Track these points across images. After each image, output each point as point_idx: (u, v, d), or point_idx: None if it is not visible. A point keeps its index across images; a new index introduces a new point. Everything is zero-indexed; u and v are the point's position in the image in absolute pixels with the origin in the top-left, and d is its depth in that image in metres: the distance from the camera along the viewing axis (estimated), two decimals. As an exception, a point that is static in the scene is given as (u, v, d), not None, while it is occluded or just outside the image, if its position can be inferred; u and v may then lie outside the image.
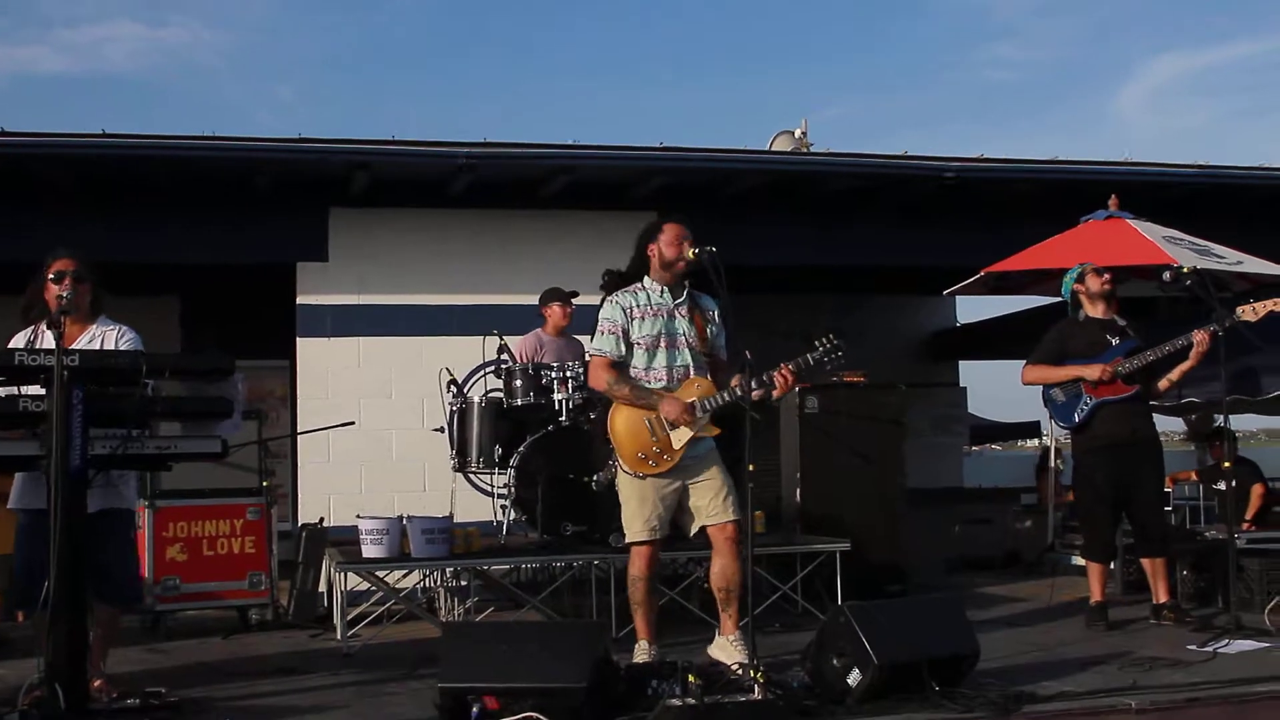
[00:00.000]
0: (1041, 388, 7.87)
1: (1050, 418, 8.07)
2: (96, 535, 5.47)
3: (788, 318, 11.75)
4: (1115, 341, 7.62)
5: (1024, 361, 7.90)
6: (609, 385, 6.17)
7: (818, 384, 8.87)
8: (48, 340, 5.49)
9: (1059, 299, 10.98)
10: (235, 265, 10.76)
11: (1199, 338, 7.30)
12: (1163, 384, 7.66)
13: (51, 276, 5.76)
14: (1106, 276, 7.72)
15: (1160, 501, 8.00)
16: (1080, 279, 7.80)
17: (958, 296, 13.94)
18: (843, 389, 9.05)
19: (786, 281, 13.51)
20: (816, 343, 6.03)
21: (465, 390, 8.75)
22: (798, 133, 12.23)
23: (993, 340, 17.65)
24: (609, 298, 6.32)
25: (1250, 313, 7.32)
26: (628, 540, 6.24)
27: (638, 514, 6.15)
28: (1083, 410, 7.61)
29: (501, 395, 8.22)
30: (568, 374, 7.93)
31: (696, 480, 6.16)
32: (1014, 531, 12.01)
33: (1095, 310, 7.76)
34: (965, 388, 18.22)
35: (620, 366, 6.20)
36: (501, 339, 8.59)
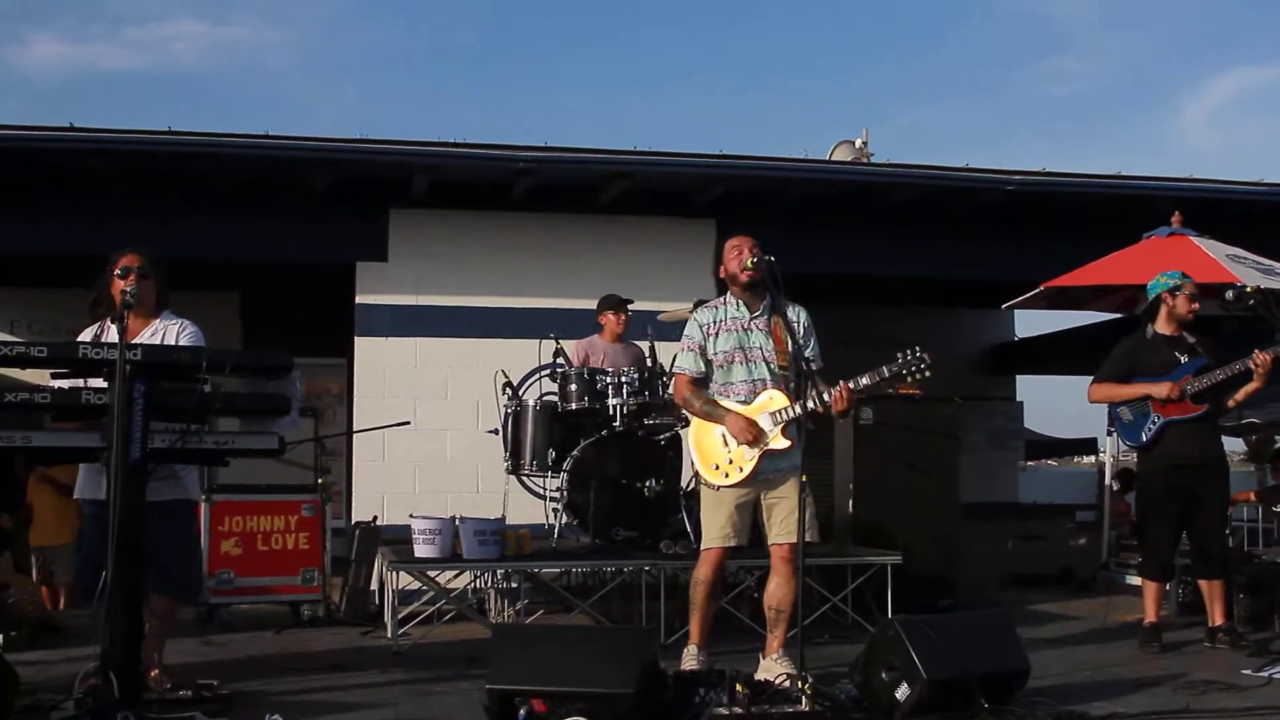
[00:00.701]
0: (1108, 405, 7.79)
1: (1117, 436, 7.95)
2: (158, 526, 5.53)
3: (847, 329, 11.72)
4: (1184, 359, 7.49)
5: (1090, 379, 7.79)
6: (685, 400, 6.32)
7: (873, 395, 8.83)
8: (113, 335, 5.56)
9: (1118, 315, 10.91)
10: (295, 263, 10.86)
11: (1261, 359, 7.20)
12: (1229, 403, 7.56)
13: (118, 272, 5.83)
14: (1196, 306, 7.55)
15: (1223, 523, 7.88)
16: (1173, 292, 7.57)
17: (1016, 310, 13.85)
18: (898, 400, 8.99)
19: (846, 291, 13.46)
20: (899, 354, 5.97)
21: (520, 393, 8.78)
22: (858, 143, 12.18)
23: (1050, 355, 17.53)
24: (692, 315, 6.44)
25: None
26: (703, 546, 6.30)
27: (713, 521, 6.22)
28: (1150, 429, 7.50)
29: (556, 399, 8.24)
30: (623, 380, 7.95)
31: (772, 495, 6.19)
32: (1068, 548, 11.90)
33: (1167, 328, 7.62)
34: (1022, 402, 18.11)
35: (700, 382, 6.28)
36: (558, 343, 8.62)
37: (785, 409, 6.07)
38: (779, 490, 6.16)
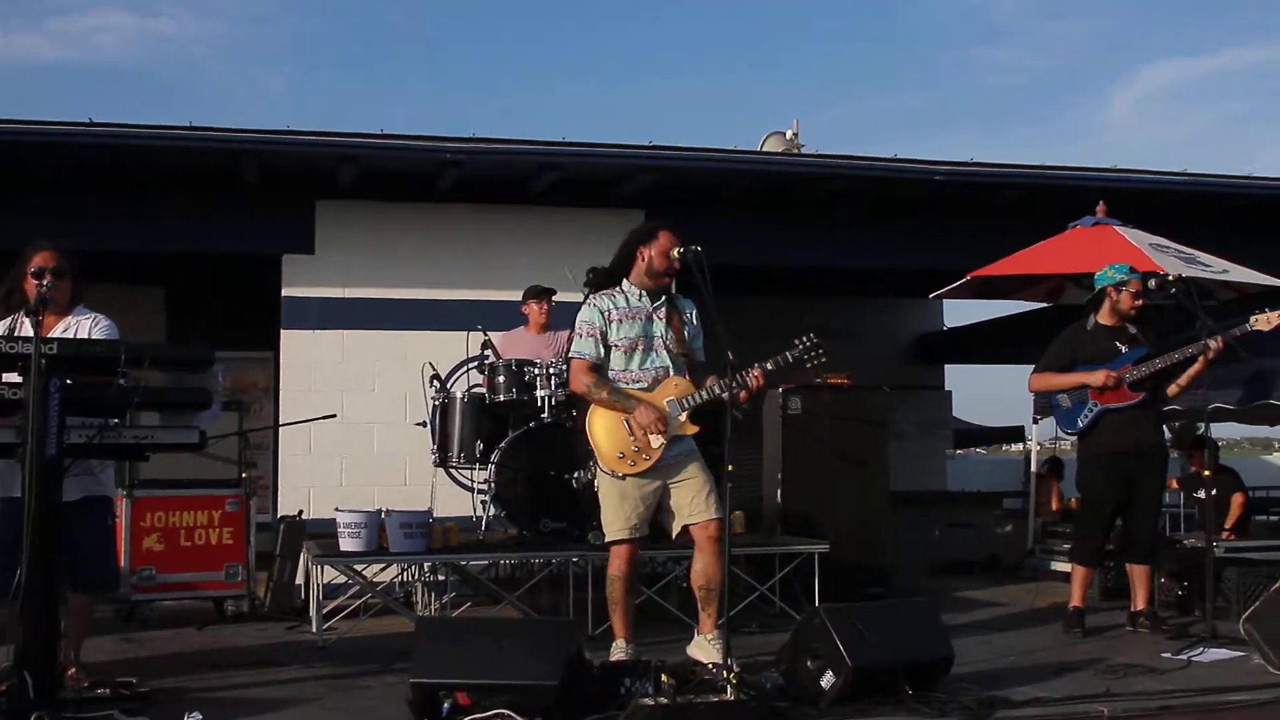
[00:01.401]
0: (1047, 394, 7.88)
1: (1056, 422, 8.02)
2: (73, 523, 5.46)
3: (774, 319, 11.75)
4: (1125, 349, 7.57)
5: (1018, 367, 7.89)
6: (588, 388, 6.20)
7: (801, 385, 8.86)
8: (27, 329, 5.47)
9: (1045, 304, 11.03)
10: (221, 256, 10.75)
11: (1216, 344, 7.29)
12: (1172, 389, 7.64)
13: (32, 272, 5.73)
14: (1140, 302, 7.60)
15: (1157, 510, 7.99)
16: (1119, 286, 7.63)
17: (945, 300, 13.97)
18: (827, 390, 9.02)
19: (775, 283, 13.51)
20: (796, 341, 6.05)
21: (448, 385, 8.74)
22: (789, 134, 12.22)
23: (979, 344, 17.72)
24: (588, 301, 6.35)
25: (1264, 322, 7.36)
26: (606, 539, 6.25)
27: (617, 513, 6.16)
28: (1086, 416, 7.59)
29: (484, 391, 8.21)
30: (550, 371, 7.92)
31: (677, 480, 6.17)
32: (995, 536, 12.03)
33: (1109, 319, 7.69)
34: (950, 391, 18.28)
35: (600, 369, 6.22)
36: (486, 335, 8.58)
37: (691, 395, 6.10)
38: (682, 474, 6.17)
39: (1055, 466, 12.54)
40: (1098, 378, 7.46)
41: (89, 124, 8.80)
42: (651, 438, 6.05)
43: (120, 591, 7.97)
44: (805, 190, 10.69)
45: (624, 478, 6.12)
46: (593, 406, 6.23)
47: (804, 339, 6.05)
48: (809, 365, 6.08)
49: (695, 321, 6.34)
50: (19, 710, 4.76)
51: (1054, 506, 12.01)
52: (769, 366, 6.04)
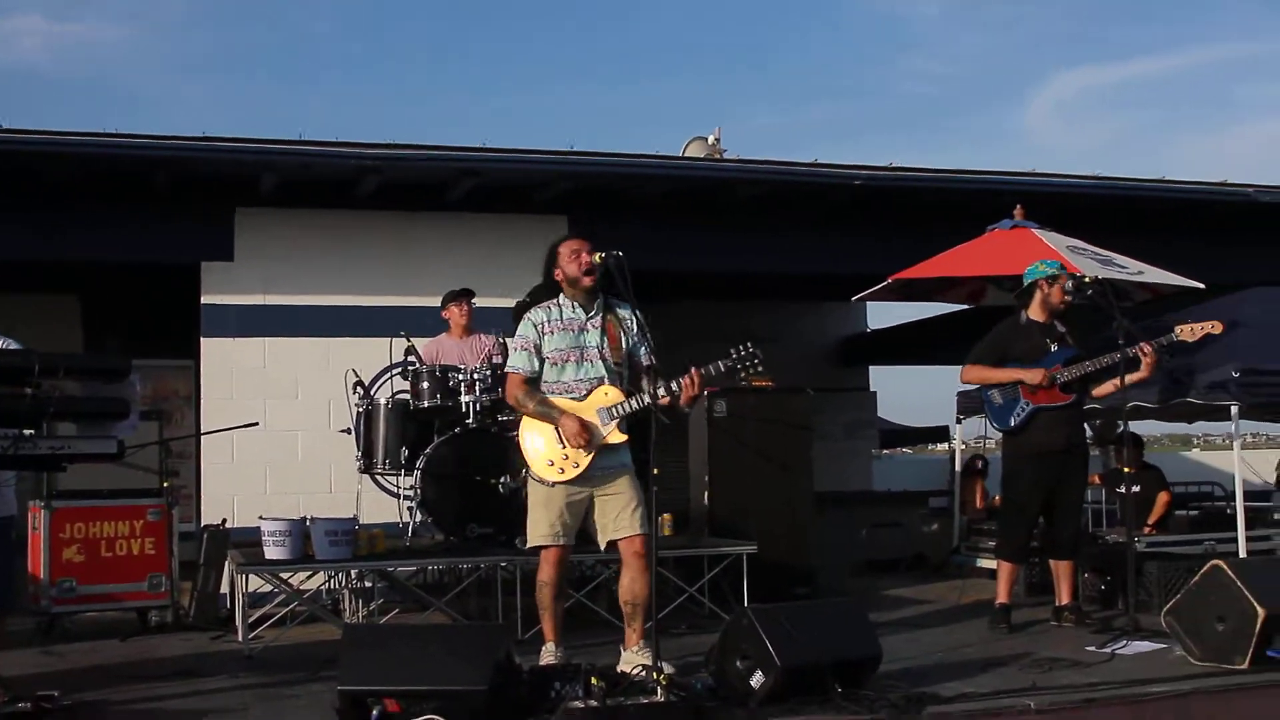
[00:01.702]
0: (979, 388, 7.94)
1: (986, 418, 8.07)
2: None
3: (698, 323, 11.77)
4: (1054, 348, 7.65)
5: (941, 367, 7.95)
6: (518, 401, 6.23)
7: (726, 388, 8.87)
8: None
9: (965, 306, 11.14)
10: (138, 264, 10.59)
11: (1148, 350, 7.41)
12: (1105, 389, 7.70)
13: None
14: (1070, 298, 7.67)
15: (1080, 508, 8.09)
16: (1050, 280, 7.70)
17: (868, 303, 14.06)
18: (751, 393, 9.04)
19: (697, 287, 13.54)
20: (732, 350, 6.02)
21: (372, 392, 8.68)
22: (711, 139, 12.23)
23: (902, 346, 17.83)
24: (525, 315, 6.37)
25: (1188, 333, 7.55)
26: (529, 543, 6.26)
27: (542, 519, 6.16)
28: (1019, 415, 7.65)
29: (408, 397, 8.17)
30: (475, 376, 7.90)
31: (605, 493, 6.17)
32: (921, 534, 12.11)
33: (1039, 314, 7.75)
34: (875, 392, 18.40)
35: (533, 382, 6.23)
36: (409, 340, 8.54)
37: (620, 404, 6.08)
38: (612, 486, 6.16)
39: (979, 465, 12.66)
40: (1034, 375, 7.53)
41: (2, 130, 8.63)
42: (580, 448, 6.05)
43: (41, 604, 7.87)
44: (727, 195, 10.72)
45: (553, 485, 6.12)
46: (525, 417, 6.26)
47: (740, 348, 6.00)
48: (743, 376, 6.07)
49: (635, 325, 6.29)
50: (-64, 727, 4.68)
51: (979, 504, 12.12)
52: (706, 372, 6.00)
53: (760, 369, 6.04)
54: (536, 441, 6.15)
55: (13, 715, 5.19)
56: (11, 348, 5.74)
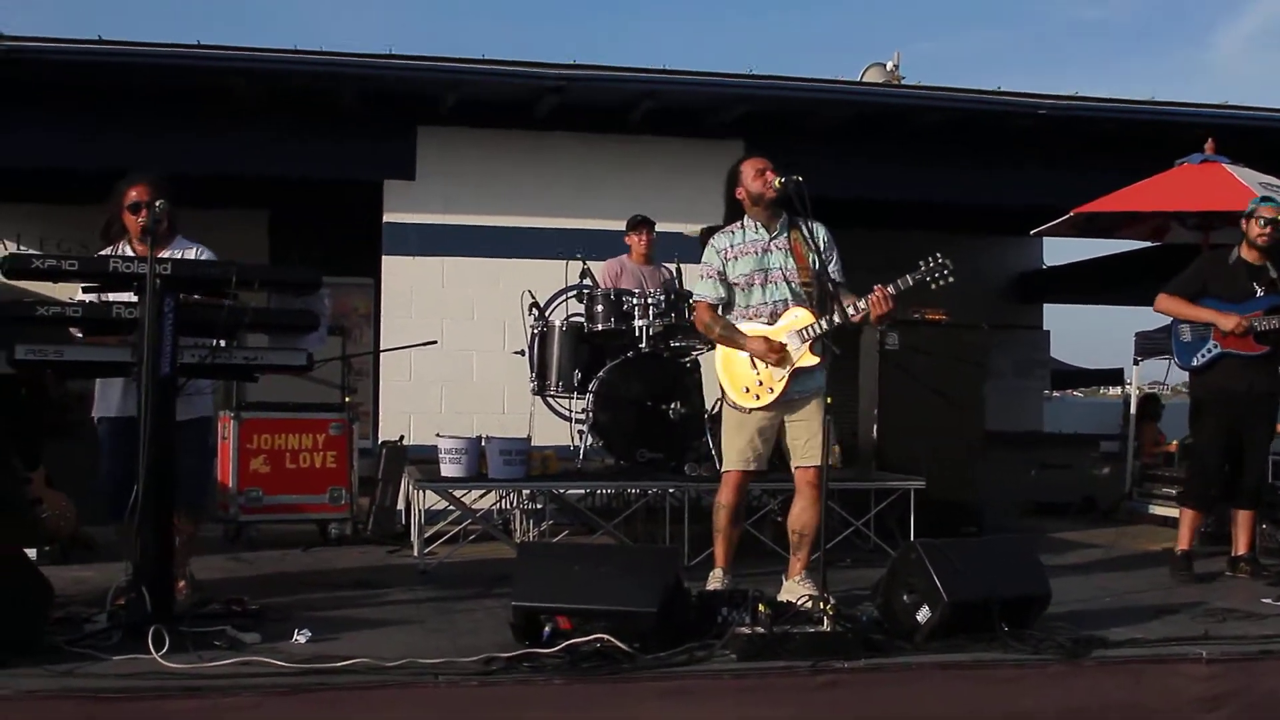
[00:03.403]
0: (1170, 321, 7.63)
1: (1172, 353, 7.73)
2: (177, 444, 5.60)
3: (873, 254, 11.65)
4: (1261, 292, 7.30)
5: (1117, 307, 7.73)
6: (706, 327, 6.32)
7: (899, 320, 8.81)
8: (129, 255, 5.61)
9: (1150, 244, 10.85)
10: (322, 180, 10.84)
11: None
12: None
13: (129, 207, 5.80)
14: (1268, 230, 7.26)
15: (1264, 456, 7.71)
16: (1249, 216, 7.36)
17: (1045, 238, 13.77)
18: (924, 326, 8.97)
19: (874, 216, 13.40)
20: (921, 262, 5.96)
21: (547, 314, 8.77)
22: (890, 65, 12.06)
23: (1079, 283, 17.44)
24: (709, 241, 6.39)
25: None
26: (722, 468, 6.35)
27: (733, 443, 6.24)
28: (1203, 356, 7.36)
29: (583, 320, 8.25)
30: (649, 301, 7.93)
31: (795, 417, 6.20)
32: (1091, 478, 11.92)
33: (1249, 255, 7.38)
34: (1049, 331, 18.01)
35: (722, 306, 6.28)
36: (585, 263, 8.62)
37: (811, 325, 6.06)
38: (802, 412, 6.17)
39: (1152, 408, 12.38)
40: (1229, 321, 7.21)
41: (196, 45, 8.90)
42: (774, 371, 6.08)
43: (230, 513, 8.19)
44: (906, 123, 10.60)
45: (748, 411, 6.17)
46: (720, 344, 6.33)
47: (930, 259, 5.94)
48: (934, 286, 5.97)
49: (826, 244, 6.22)
50: (137, 624, 4.90)
51: (1152, 449, 11.86)
52: (895, 286, 5.96)
53: (951, 279, 5.93)
54: (732, 368, 6.22)
55: (205, 615, 5.42)
56: (206, 258, 5.94)
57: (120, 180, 5.94)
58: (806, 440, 6.15)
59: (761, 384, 6.12)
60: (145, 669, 4.55)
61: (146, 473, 5.13)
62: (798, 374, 6.10)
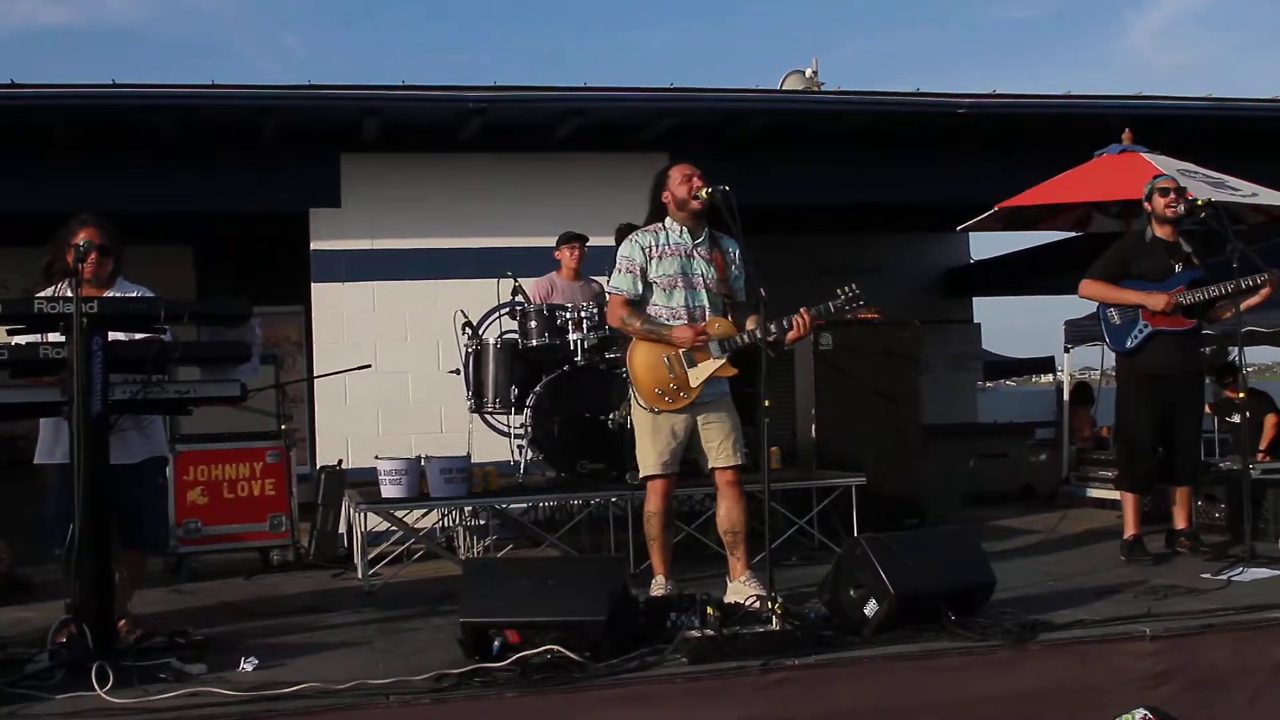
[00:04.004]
0: (1097, 306, 7.73)
1: (1102, 337, 7.83)
2: (127, 482, 5.58)
3: (802, 258, 11.76)
4: (1179, 268, 7.43)
5: (1044, 297, 7.83)
6: (623, 321, 6.25)
7: (832, 320, 8.88)
8: (68, 292, 5.55)
9: (1073, 234, 11.01)
10: (247, 213, 10.80)
11: (1276, 281, 7.16)
12: (1226, 314, 7.47)
13: (79, 247, 5.73)
14: (1171, 198, 7.42)
15: (1198, 434, 7.88)
16: (1149, 195, 7.52)
17: (971, 233, 13.95)
18: (857, 326, 9.05)
19: (800, 221, 13.51)
20: (839, 291, 6.07)
21: (480, 332, 8.78)
22: (808, 72, 12.17)
23: (1006, 276, 17.69)
24: (630, 237, 6.37)
25: None
26: (641, 475, 6.32)
27: (650, 448, 6.21)
28: (1136, 337, 7.45)
29: (516, 336, 8.26)
30: (582, 315, 7.95)
31: (708, 420, 6.21)
32: (1029, 466, 12.07)
33: (1162, 232, 7.51)
34: (979, 324, 18.23)
35: (637, 304, 6.25)
36: (516, 281, 8.63)
37: (732, 338, 6.12)
38: (714, 414, 6.20)
39: (1084, 393, 12.54)
40: (1158, 301, 7.32)
41: (111, 85, 8.83)
42: (690, 374, 6.10)
43: (170, 546, 8.10)
44: (828, 127, 10.67)
45: (659, 413, 6.17)
46: (633, 343, 6.28)
47: (846, 289, 6.05)
48: (849, 316, 6.12)
49: (738, 261, 6.32)
50: (79, 661, 4.85)
51: (1086, 434, 12.02)
52: (815, 312, 6.06)
53: (865, 308, 6.12)
54: (645, 369, 6.18)
55: (149, 649, 5.36)
56: (137, 295, 5.89)
57: (70, 220, 5.90)
58: (720, 441, 6.18)
59: (677, 388, 6.11)
60: (90, 706, 4.50)
61: (82, 510, 5.08)
62: (709, 379, 6.15)
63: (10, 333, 5.54)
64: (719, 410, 6.22)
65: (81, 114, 9.05)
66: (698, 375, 6.11)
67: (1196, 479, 7.83)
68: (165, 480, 6.28)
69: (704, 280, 6.22)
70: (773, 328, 5.98)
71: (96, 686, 4.59)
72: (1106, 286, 7.55)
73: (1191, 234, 7.58)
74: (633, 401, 6.32)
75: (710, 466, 6.25)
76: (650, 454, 6.21)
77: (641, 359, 6.21)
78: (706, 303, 6.22)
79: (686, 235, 6.27)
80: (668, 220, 6.33)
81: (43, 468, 5.86)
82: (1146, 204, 7.55)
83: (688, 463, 6.38)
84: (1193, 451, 7.70)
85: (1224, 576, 6.66)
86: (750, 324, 6.14)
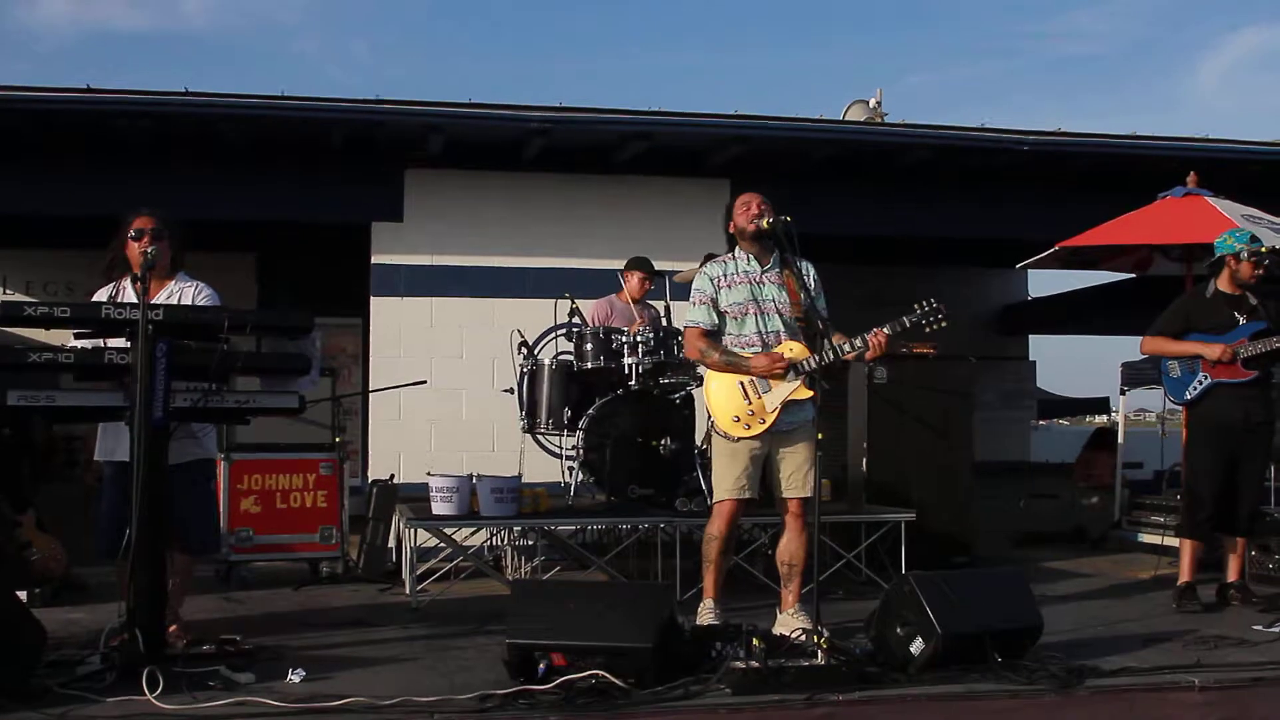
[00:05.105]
0: (1159, 359, 7.71)
1: (1164, 391, 7.85)
2: (177, 485, 5.61)
3: (861, 289, 11.72)
4: (1243, 320, 7.38)
5: (1102, 337, 7.78)
6: (702, 353, 6.32)
7: (887, 355, 8.85)
8: (129, 295, 5.64)
9: (1132, 275, 10.92)
10: (311, 224, 10.89)
11: None
12: None
13: (132, 234, 5.85)
14: (1261, 271, 7.38)
15: (1258, 485, 7.80)
16: (1238, 256, 7.40)
17: (1030, 270, 13.88)
18: (912, 360, 9.02)
19: (859, 252, 13.47)
20: (915, 306, 6.05)
21: (536, 352, 8.79)
22: (872, 102, 12.16)
23: (1063, 315, 17.54)
24: (700, 269, 6.47)
25: None
26: (714, 499, 6.37)
27: (727, 473, 6.26)
28: (1195, 389, 7.44)
29: (572, 358, 8.28)
30: (638, 339, 7.97)
31: (785, 449, 6.24)
32: (1081, 507, 11.94)
33: (1228, 287, 7.48)
34: (1034, 361, 18.09)
35: (713, 335, 6.31)
36: (573, 302, 8.66)
37: (807, 359, 6.12)
38: (792, 444, 6.22)
39: (1106, 439, 12.40)
40: (1214, 351, 7.30)
41: (183, 93, 8.93)
42: (766, 400, 6.13)
43: (221, 552, 8.16)
44: (891, 160, 10.65)
45: (737, 440, 6.20)
46: (709, 373, 6.36)
47: (924, 303, 6.04)
48: (928, 330, 6.07)
49: (815, 283, 6.36)
50: (131, 665, 4.91)
51: (1104, 480, 11.89)
52: (888, 331, 6.04)
53: (944, 323, 6.03)
54: (721, 398, 6.24)
55: (199, 656, 5.42)
56: (203, 303, 5.95)
57: (127, 214, 6.00)
58: (792, 472, 6.21)
59: (753, 414, 6.16)
60: (140, 710, 4.57)
61: (139, 515, 5.14)
62: (789, 405, 6.16)
63: (76, 336, 5.64)
64: (799, 440, 6.23)
65: (155, 121, 9.14)
66: (773, 400, 6.15)
67: (1254, 529, 7.75)
68: (212, 482, 6.33)
69: (775, 305, 6.26)
70: (846, 346, 6.01)
71: (147, 691, 4.65)
72: (1166, 340, 7.57)
73: (1258, 286, 7.51)
74: (711, 431, 6.37)
75: (780, 496, 6.28)
76: (726, 478, 6.26)
77: (718, 388, 6.28)
78: (781, 327, 6.25)
79: (754, 262, 6.32)
80: (737, 250, 6.40)
81: (100, 465, 5.95)
82: (1231, 260, 7.46)
83: (766, 489, 6.41)
84: (1250, 501, 7.61)
85: (1276, 629, 6.60)
86: (826, 346, 6.13)
